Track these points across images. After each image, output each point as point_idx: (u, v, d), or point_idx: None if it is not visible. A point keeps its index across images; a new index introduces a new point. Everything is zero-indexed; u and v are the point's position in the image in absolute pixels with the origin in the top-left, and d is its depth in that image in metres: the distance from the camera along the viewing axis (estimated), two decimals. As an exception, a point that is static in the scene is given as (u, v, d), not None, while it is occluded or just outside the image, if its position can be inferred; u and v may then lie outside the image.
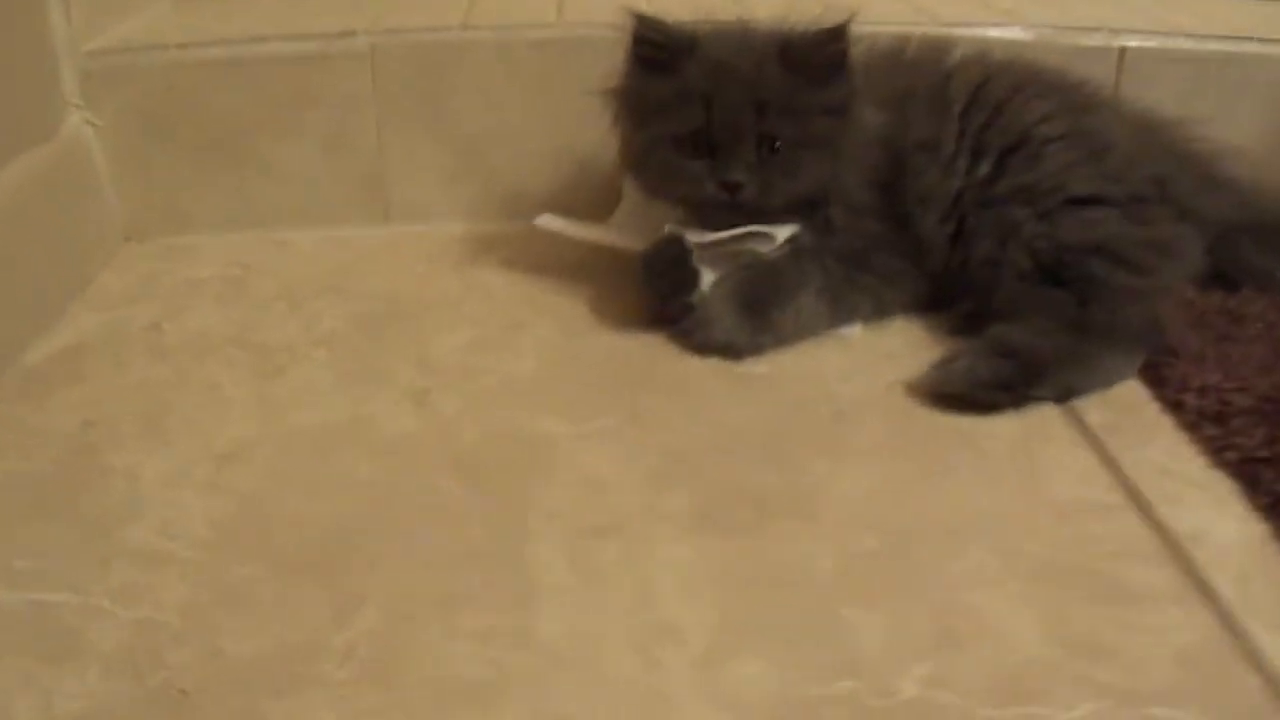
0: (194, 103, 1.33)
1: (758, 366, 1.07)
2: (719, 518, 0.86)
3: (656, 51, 1.10)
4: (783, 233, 1.10)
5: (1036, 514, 0.85)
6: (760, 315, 1.08)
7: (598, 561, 0.81)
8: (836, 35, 1.07)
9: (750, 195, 1.08)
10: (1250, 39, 1.41)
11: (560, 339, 1.12)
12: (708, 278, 1.09)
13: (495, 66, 1.34)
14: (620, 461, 0.92)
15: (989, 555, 0.81)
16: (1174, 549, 0.81)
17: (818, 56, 1.08)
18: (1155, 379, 1.04)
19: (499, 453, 0.94)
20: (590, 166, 1.36)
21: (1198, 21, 1.46)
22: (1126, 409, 0.99)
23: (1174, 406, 0.99)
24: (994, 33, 1.37)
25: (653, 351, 1.09)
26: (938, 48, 1.22)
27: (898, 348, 1.11)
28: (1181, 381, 1.02)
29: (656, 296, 1.11)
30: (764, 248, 1.10)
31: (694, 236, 1.10)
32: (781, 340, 1.09)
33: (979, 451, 0.94)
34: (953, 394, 1.00)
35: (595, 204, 1.29)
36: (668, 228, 1.11)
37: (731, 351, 1.08)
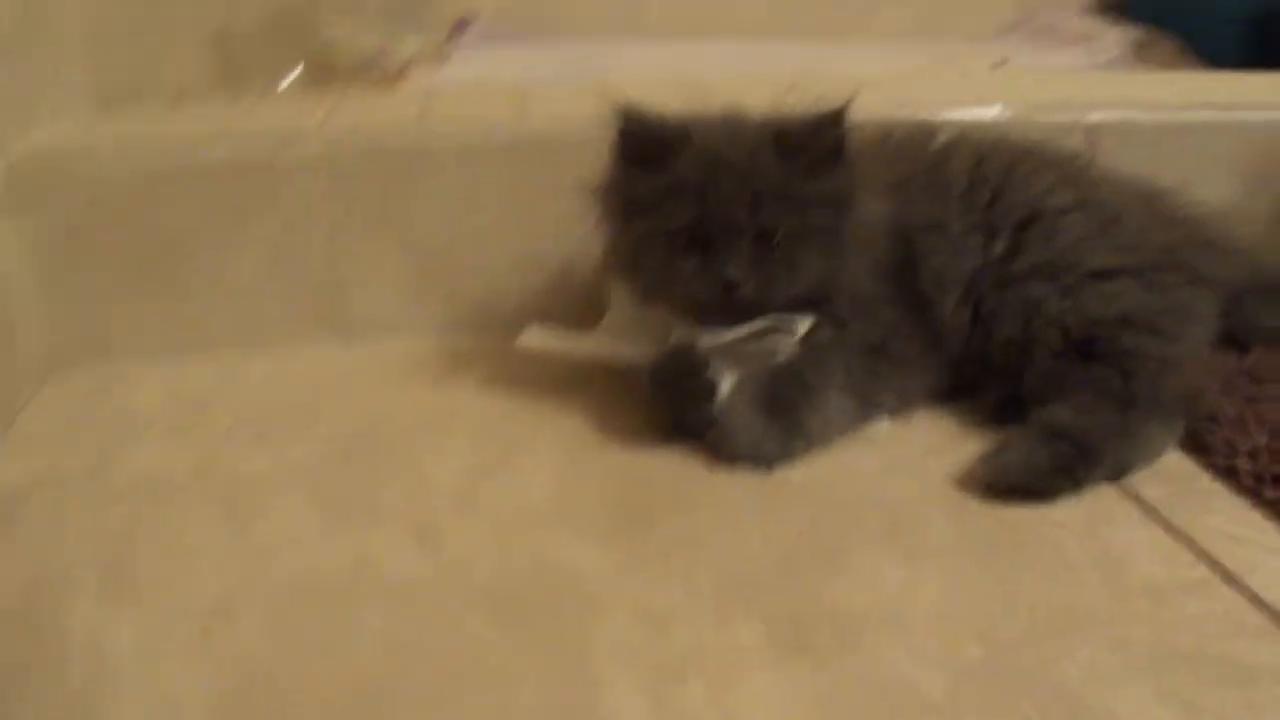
0: (127, 215, 1.22)
1: (792, 473, 1.00)
2: (802, 642, 0.77)
3: (645, 146, 1.04)
4: (802, 325, 1.03)
5: (1130, 600, 0.82)
6: (788, 419, 1.01)
7: (684, 706, 0.72)
8: (834, 120, 1.02)
9: (749, 293, 1.01)
10: (1209, 107, 1.43)
11: (569, 459, 1.03)
12: (725, 383, 1.02)
13: (459, 169, 1.26)
14: (674, 590, 0.84)
15: (1100, 651, 0.77)
16: (1274, 617, 0.79)
17: (815, 143, 1.02)
18: (1198, 447, 1.02)
19: (531, 591, 0.84)
20: (566, 273, 1.28)
21: (1160, 94, 1.48)
22: (1179, 480, 0.98)
23: (1227, 473, 0.98)
24: (969, 114, 1.35)
25: (674, 467, 1.01)
26: (924, 131, 1.19)
27: (934, 441, 1.05)
28: (1228, 447, 1.01)
29: (672, 410, 1.04)
30: (784, 342, 1.03)
31: (706, 340, 1.03)
32: (812, 443, 1.02)
33: (1050, 542, 0.89)
34: (1012, 485, 0.95)
35: (572, 313, 1.21)
36: (675, 334, 1.04)
37: (762, 460, 1.00)
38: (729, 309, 1.02)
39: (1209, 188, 1.29)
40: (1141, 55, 2.57)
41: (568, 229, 1.15)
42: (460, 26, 2.61)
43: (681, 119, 1.05)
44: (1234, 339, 1.17)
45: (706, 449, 1.01)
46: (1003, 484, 0.95)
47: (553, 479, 1.00)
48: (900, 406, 1.09)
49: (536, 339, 1.14)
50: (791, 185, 1.02)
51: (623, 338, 1.11)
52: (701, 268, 1.01)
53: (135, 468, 1.03)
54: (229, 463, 1.03)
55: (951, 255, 1.09)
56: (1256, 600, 0.80)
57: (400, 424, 1.10)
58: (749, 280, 1.00)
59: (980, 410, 1.09)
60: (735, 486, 0.98)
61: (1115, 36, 2.62)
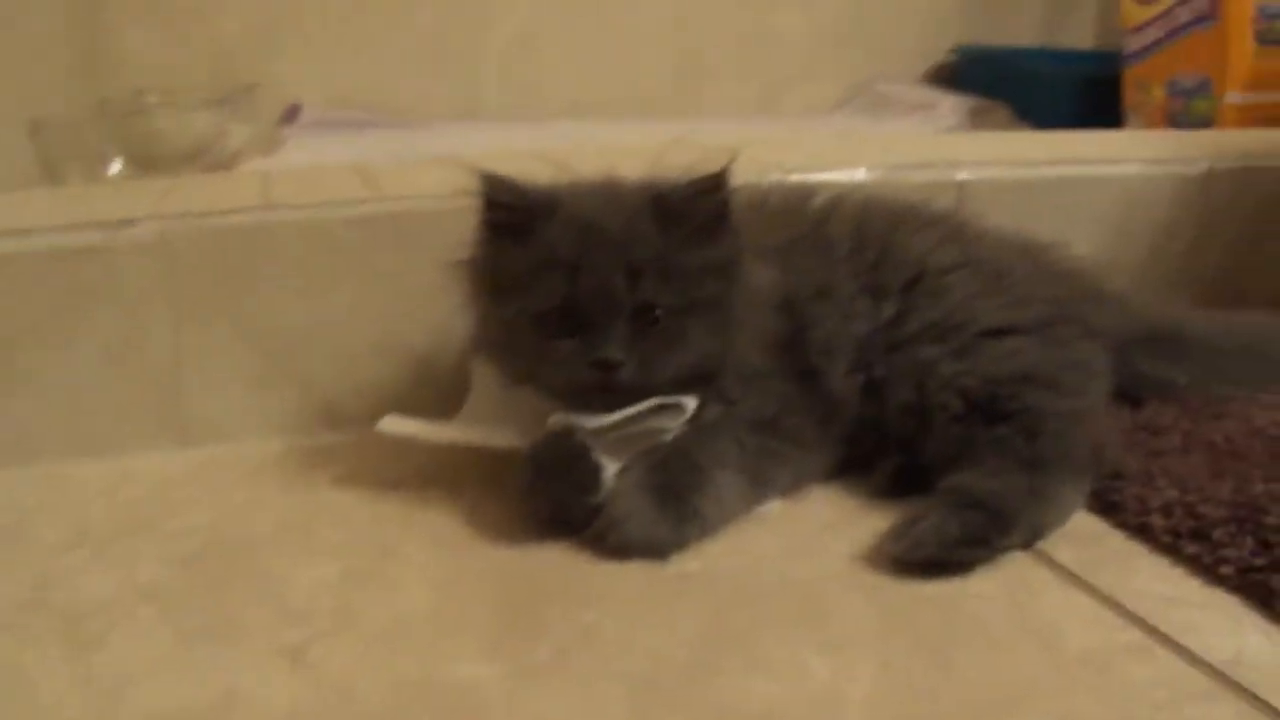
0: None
1: (688, 563, 0.92)
2: (737, 750, 0.69)
3: (511, 216, 0.97)
4: (689, 404, 0.97)
5: (1071, 671, 0.77)
6: (680, 503, 0.94)
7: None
8: (715, 184, 0.96)
9: (629, 375, 0.94)
10: (1076, 162, 1.45)
11: (445, 561, 0.94)
12: (609, 469, 0.95)
13: (305, 250, 1.17)
14: (579, 700, 0.75)
15: (1053, 727, 0.70)
16: (1224, 680, 0.75)
17: (696, 209, 0.96)
18: (1105, 506, 0.99)
19: (422, 714, 0.74)
20: (427, 360, 1.20)
21: (1025, 151, 1.49)
22: (1091, 541, 0.94)
23: (1139, 531, 0.95)
24: (836, 176, 1.32)
25: (560, 561, 0.93)
26: (800, 194, 1.15)
27: (831, 517, 0.99)
28: (1139, 504, 0.98)
29: (552, 501, 0.95)
30: (672, 422, 0.97)
31: (587, 422, 0.95)
32: (707, 529, 0.95)
33: (974, 616, 0.84)
34: (925, 560, 0.89)
35: (435, 404, 1.12)
36: (552, 419, 0.96)
37: (655, 550, 0.92)
38: (608, 393, 0.95)
39: (1079, 242, 1.27)
40: (977, 121, 2.63)
41: (426, 311, 1.07)
42: (291, 113, 2.54)
43: (550, 187, 0.99)
44: (1122, 392, 1.16)
45: (592, 541, 0.94)
46: (916, 558, 0.89)
47: (429, 584, 0.90)
48: (794, 485, 1.03)
49: (398, 424, 1.05)
50: (672, 256, 0.95)
51: (492, 422, 1.03)
52: (576, 350, 0.94)
53: (-48, 596, 0.90)
54: (64, 585, 0.92)
55: (839, 321, 1.04)
56: (1198, 661, 0.77)
57: (254, 533, 1.00)
58: (629, 361, 0.94)
59: (876, 482, 1.04)
60: (628, 579, 0.90)
61: (951, 104, 2.68)
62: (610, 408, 0.95)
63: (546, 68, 2.76)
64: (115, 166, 1.79)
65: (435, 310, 1.06)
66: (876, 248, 1.08)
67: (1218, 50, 2.26)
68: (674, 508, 0.93)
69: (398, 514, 1.02)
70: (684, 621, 0.84)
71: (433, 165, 1.24)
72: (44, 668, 0.80)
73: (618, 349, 0.93)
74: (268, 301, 1.18)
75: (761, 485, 1.00)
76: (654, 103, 2.80)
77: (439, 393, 1.16)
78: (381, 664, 0.79)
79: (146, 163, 1.79)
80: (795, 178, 1.24)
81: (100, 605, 0.88)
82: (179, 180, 1.35)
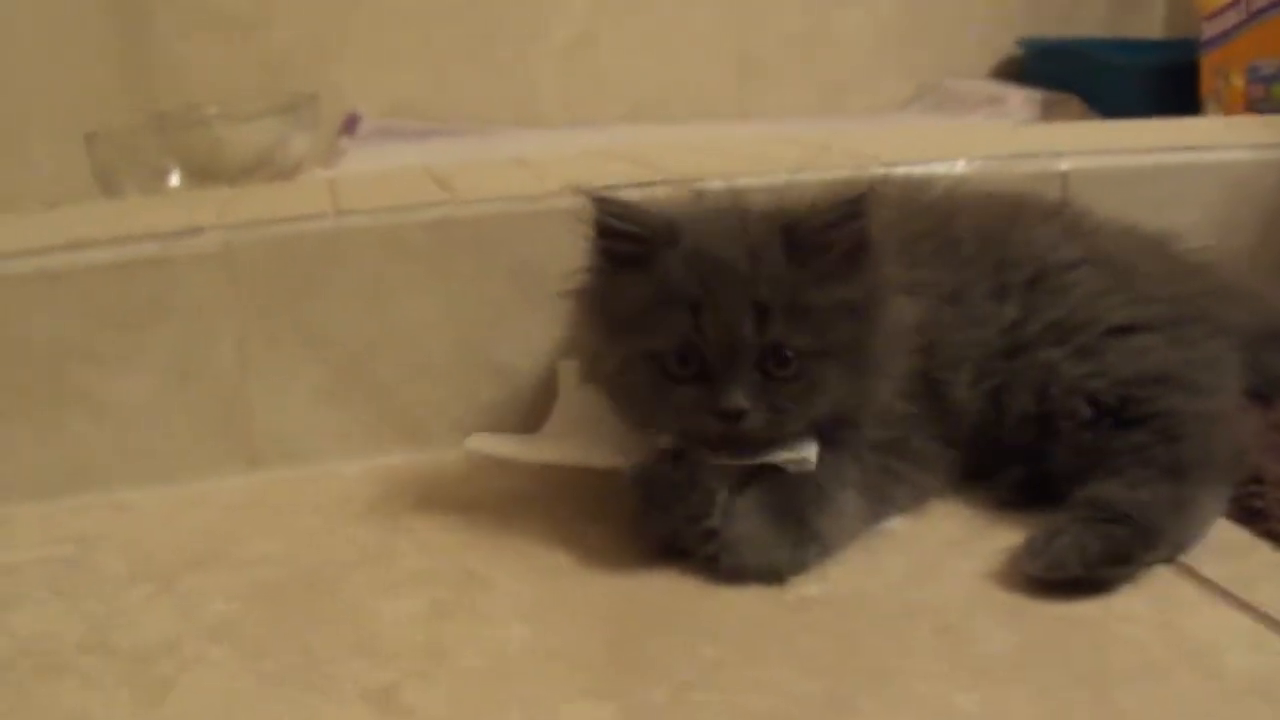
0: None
1: (806, 587, 0.85)
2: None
3: (627, 244, 0.89)
4: (814, 455, 0.89)
5: (1242, 703, 0.69)
6: (799, 525, 0.87)
7: None
8: (854, 211, 0.87)
9: (756, 425, 0.86)
10: (1180, 149, 1.36)
11: (541, 590, 0.87)
12: (722, 490, 0.87)
13: (378, 258, 1.10)
14: (708, 743, 0.67)
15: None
16: None
17: (832, 240, 0.88)
18: (1247, 514, 0.91)
19: (529, 759, 0.67)
20: (509, 372, 1.13)
21: (1127, 138, 1.41)
22: (1238, 554, 0.86)
23: None
24: (935, 169, 1.24)
25: (668, 589, 0.85)
26: (915, 186, 1.07)
27: (954, 533, 0.92)
28: None
29: (664, 526, 0.88)
30: (793, 467, 0.89)
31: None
32: (827, 551, 0.87)
33: (1125, 640, 0.76)
34: (1067, 579, 0.81)
35: (521, 419, 1.08)
36: (663, 441, 0.89)
37: (772, 574, 0.85)
38: (732, 444, 0.88)
39: (1185, 232, 1.19)
40: (1048, 114, 2.56)
41: (507, 319, 1.00)
42: (350, 123, 2.51)
43: (668, 213, 0.91)
44: (1252, 392, 1.07)
45: (705, 565, 0.86)
46: (1057, 578, 0.81)
47: (525, 616, 0.83)
48: (913, 503, 0.95)
49: (487, 443, 0.98)
50: (805, 293, 0.87)
51: (584, 435, 0.97)
52: (697, 396, 0.86)
53: (14, 633, 0.85)
54: (130, 622, 0.86)
55: (967, 329, 0.97)
56: None
57: (332, 562, 0.94)
58: (755, 410, 0.86)
59: (998, 493, 0.96)
60: (746, 607, 0.83)
61: (1021, 98, 2.61)
62: (733, 455, 0.88)
63: (605, 71, 2.71)
64: (174, 179, 1.74)
65: (517, 318, 0.99)
66: (999, 245, 1.00)
67: (1300, 35, 2.18)
68: (792, 529, 0.86)
69: (487, 539, 0.95)
70: (811, 653, 0.76)
71: (508, 167, 1.18)
72: (111, 714, 0.74)
73: (744, 396, 0.85)
74: (339, 312, 1.11)
75: (881, 504, 0.93)
76: (715, 105, 2.74)
77: (523, 406, 1.11)
78: (481, 706, 0.73)
79: (206, 175, 1.73)
80: (889, 171, 1.16)
81: (167, 645, 0.82)
82: (242, 190, 1.28)
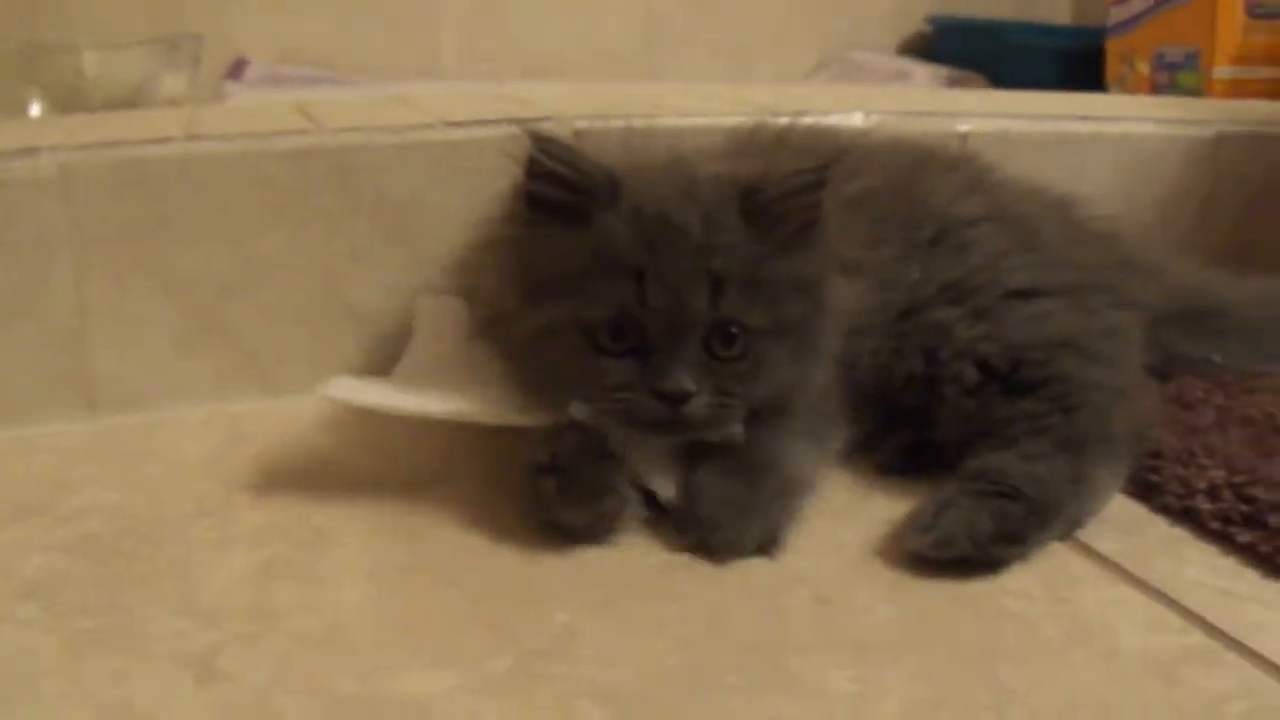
0: None
1: (674, 550, 0.79)
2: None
3: (562, 192, 0.79)
4: (741, 432, 0.82)
5: (1136, 682, 0.66)
6: (771, 479, 0.80)
7: None
8: (817, 181, 0.80)
9: (699, 410, 0.77)
10: (1083, 119, 1.34)
11: (389, 550, 0.80)
12: (658, 479, 0.81)
13: (232, 190, 1.02)
14: (551, 718, 0.61)
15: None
16: None
17: (793, 209, 0.80)
18: (1143, 488, 0.89)
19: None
20: (373, 317, 1.06)
21: (1032, 105, 1.38)
22: (1132, 528, 0.83)
23: (1184, 516, 0.85)
24: (832, 120, 1.19)
25: (526, 550, 0.78)
26: (818, 135, 1.01)
27: (837, 501, 0.86)
28: (1182, 485, 0.87)
29: (581, 519, 0.79)
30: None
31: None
32: (804, 501, 0.82)
33: (1016, 617, 0.72)
34: (955, 558, 0.75)
35: (378, 370, 0.99)
36: (571, 409, 0.80)
37: (771, 538, 0.78)
38: (671, 429, 0.79)
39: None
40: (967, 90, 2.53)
41: (373, 260, 0.92)
42: (237, 68, 2.40)
43: (611, 163, 0.81)
44: (1150, 369, 1.03)
45: (694, 549, 0.79)
46: (944, 556, 0.75)
47: (368, 577, 0.76)
48: (840, 445, 0.89)
49: (350, 389, 0.88)
50: (762, 267, 0.79)
51: (458, 386, 0.87)
52: (634, 373, 0.77)
53: None
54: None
55: (878, 291, 0.90)
56: (1270, 668, 0.66)
57: (166, 515, 0.85)
58: (702, 391, 0.77)
59: (883, 458, 0.91)
60: (606, 571, 0.76)
61: (925, 74, 2.58)
62: (667, 442, 0.81)
63: (509, 26, 2.63)
64: (34, 109, 1.63)
65: (380, 258, 0.91)
66: (905, 200, 0.94)
67: (1207, 22, 2.17)
68: (767, 484, 0.80)
69: (337, 494, 0.87)
70: (676, 624, 0.70)
71: (381, 102, 1.10)
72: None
73: (688, 377, 0.77)
74: (188, 248, 1.02)
75: (825, 450, 0.87)
76: (620, 66, 2.67)
77: (384, 352, 1.03)
78: (306, 676, 0.65)
79: (69, 108, 1.63)
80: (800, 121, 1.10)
81: (-23, 597, 0.73)
82: (90, 116, 1.19)
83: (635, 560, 0.77)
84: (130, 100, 1.75)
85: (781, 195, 0.79)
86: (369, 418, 0.90)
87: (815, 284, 0.82)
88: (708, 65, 2.76)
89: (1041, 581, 0.75)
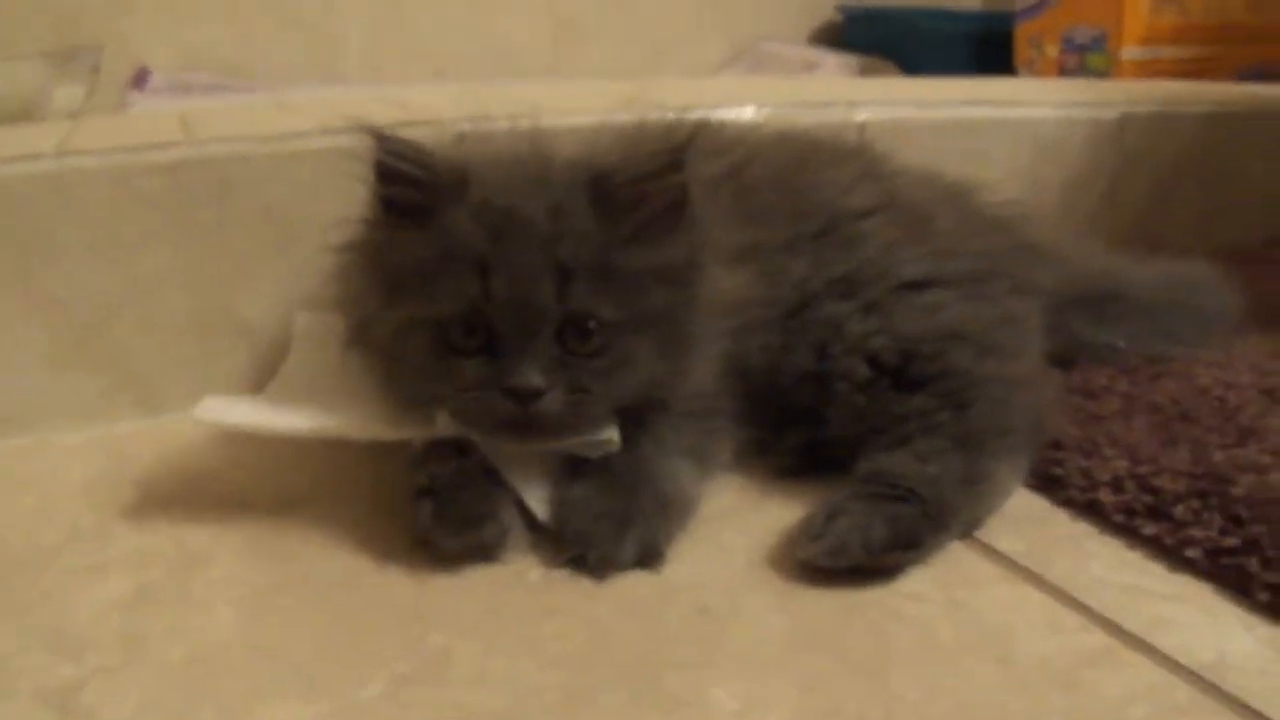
0: None
1: (555, 566, 0.76)
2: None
3: (410, 190, 0.76)
4: (614, 432, 0.79)
5: (1033, 688, 0.64)
6: (649, 494, 0.78)
7: None
8: (672, 163, 0.76)
9: (552, 407, 0.74)
10: (983, 104, 1.33)
11: (264, 573, 0.77)
12: (534, 494, 0.78)
13: (110, 206, 0.98)
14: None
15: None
16: (1209, 689, 0.64)
17: (648, 194, 0.77)
18: (1045, 481, 0.87)
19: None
20: (257, 332, 1.03)
21: (931, 92, 1.36)
22: (1034, 524, 0.82)
23: (1088, 509, 0.84)
24: (722, 114, 1.16)
25: (402, 570, 0.76)
26: (704, 130, 0.95)
27: (726, 505, 0.85)
28: (1085, 477, 0.86)
29: (440, 534, 0.76)
30: (596, 454, 0.79)
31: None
32: (680, 524, 0.79)
33: (911, 622, 0.70)
34: (849, 567, 0.73)
35: (263, 385, 0.97)
36: (439, 425, 0.78)
37: (651, 551, 0.75)
38: (525, 430, 0.76)
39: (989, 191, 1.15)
40: (866, 79, 2.53)
41: (255, 274, 0.89)
42: (141, 77, 2.35)
43: (460, 159, 0.79)
44: (1052, 355, 1.02)
45: (570, 566, 0.76)
46: (837, 565, 0.73)
47: (239, 602, 0.73)
48: (728, 457, 0.87)
49: (218, 410, 0.85)
50: (615, 255, 0.76)
51: (330, 402, 0.84)
52: (485, 372, 0.75)
53: None
54: None
55: (761, 287, 0.87)
56: (1175, 667, 0.65)
57: (38, 544, 0.82)
58: (552, 390, 0.74)
59: (777, 460, 0.89)
60: (483, 590, 0.74)
61: (836, 63, 2.58)
62: (523, 445, 0.78)
63: (414, 28, 2.59)
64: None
65: (262, 271, 0.88)
66: (791, 193, 0.92)
67: (1114, 4, 2.18)
68: (645, 498, 0.77)
69: (214, 516, 0.84)
70: (553, 642, 0.68)
71: (263, 108, 1.07)
72: None
73: (538, 373, 0.74)
74: (65, 267, 0.99)
75: (709, 465, 0.85)
76: (528, 65, 2.65)
77: (268, 366, 1.00)
78: (170, 707, 0.63)
79: (-47, 123, 1.57)
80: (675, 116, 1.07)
81: None
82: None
83: (514, 577, 0.75)
84: (21, 114, 1.70)
85: (633, 180, 0.76)
86: (251, 435, 0.87)
87: (681, 273, 0.78)
88: (618, 61, 2.73)
89: (938, 584, 0.74)
